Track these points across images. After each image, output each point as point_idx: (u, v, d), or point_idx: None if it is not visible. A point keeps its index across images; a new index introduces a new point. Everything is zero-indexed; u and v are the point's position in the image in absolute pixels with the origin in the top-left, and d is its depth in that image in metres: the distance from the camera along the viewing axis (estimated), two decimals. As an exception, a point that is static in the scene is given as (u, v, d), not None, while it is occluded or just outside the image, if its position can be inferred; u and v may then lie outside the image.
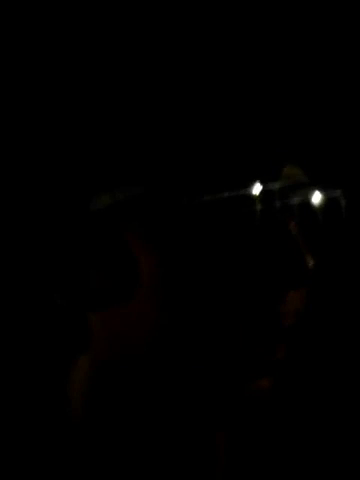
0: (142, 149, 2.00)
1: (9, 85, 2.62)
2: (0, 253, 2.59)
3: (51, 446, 2.00)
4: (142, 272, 1.71)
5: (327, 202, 1.84)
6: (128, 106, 2.24)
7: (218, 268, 1.74)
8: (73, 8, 2.85)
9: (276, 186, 2.04)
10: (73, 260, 1.86)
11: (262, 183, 1.94)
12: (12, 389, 2.38)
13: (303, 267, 1.60)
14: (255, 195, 1.99)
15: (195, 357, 1.72)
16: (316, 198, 1.87)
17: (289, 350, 1.92)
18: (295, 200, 1.96)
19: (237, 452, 2.27)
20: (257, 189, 1.97)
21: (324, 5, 2.99)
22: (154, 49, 2.35)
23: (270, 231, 1.76)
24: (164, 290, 1.71)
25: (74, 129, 2.40)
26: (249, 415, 2.03)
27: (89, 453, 1.80)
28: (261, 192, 1.92)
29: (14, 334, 2.55)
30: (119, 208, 1.75)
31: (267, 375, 1.74)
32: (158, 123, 2.05)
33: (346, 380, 2.64)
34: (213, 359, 1.71)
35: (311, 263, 1.63)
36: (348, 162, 2.74)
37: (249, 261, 1.75)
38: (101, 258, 1.77)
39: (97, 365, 1.85)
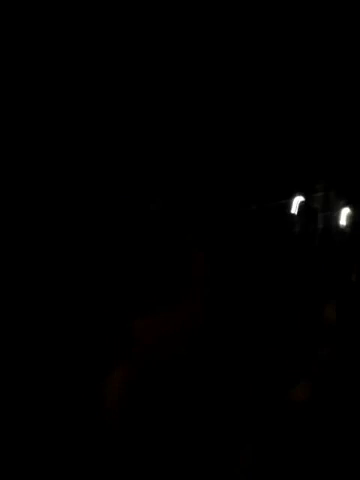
0: (197, 158, 1.99)
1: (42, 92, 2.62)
2: (48, 261, 2.58)
3: (86, 447, 2.00)
4: (193, 275, 1.70)
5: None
6: (183, 118, 2.24)
7: (264, 276, 1.74)
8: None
9: (319, 198, 2.03)
10: (123, 263, 1.85)
11: (305, 194, 1.94)
12: (53, 392, 2.38)
13: (348, 280, 1.61)
14: (300, 206, 1.99)
15: (235, 363, 1.72)
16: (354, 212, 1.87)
17: (326, 360, 1.92)
18: (336, 213, 1.96)
19: (269, 460, 2.27)
20: (300, 201, 1.96)
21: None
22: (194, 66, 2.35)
23: (316, 241, 1.75)
24: (212, 294, 1.71)
25: (130, 134, 2.39)
26: (284, 424, 2.03)
27: (124, 455, 1.80)
28: (304, 204, 1.92)
29: (57, 339, 2.54)
30: (172, 213, 1.74)
31: (303, 385, 1.73)
32: (215, 135, 2.05)
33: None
34: (252, 366, 1.71)
35: (355, 276, 1.63)
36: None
37: (294, 271, 1.74)
38: (153, 261, 1.76)
39: (136, 371, 1.84)
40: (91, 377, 2.24)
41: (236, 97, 2.69)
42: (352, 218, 2.34)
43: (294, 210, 2.41)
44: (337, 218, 2.38)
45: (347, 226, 2.29)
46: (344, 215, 2.40)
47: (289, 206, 2.43)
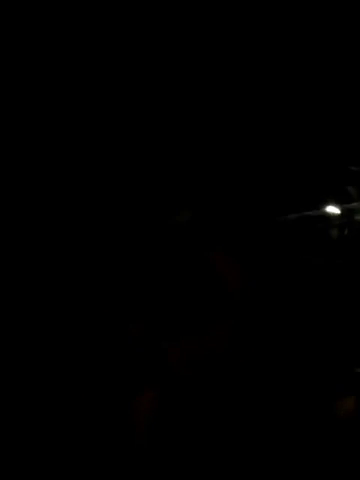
0: (223, 168, 2.01)
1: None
2: (72, 279, 2.60)
3: (117, 467, 2.01)
4: (227, 292, 1.71)
5: None
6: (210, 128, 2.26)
7: (302, 288, 1.75)
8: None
9: (355, 206, 2.03)
10: (152, 284, 1.86)
11: (341, 203, 1.95)
12: (83, 415, 2.40)
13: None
14: (335, 214, 2.00)
15: (277, 378, 1.72)
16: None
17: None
18: None
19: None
20: (336, 209, 1.97)
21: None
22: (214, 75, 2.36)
23: (352, 251, 1.77)
24: (248, 310, 1.72)
25: (151, 145, 2.42)
26: (335, 436, 2.03)
27: (154, 476, 1.80)
28: (341, 212, 1.93)
29: (86, 361, 2.56)
30: (200, 225, 1.76)
31: (352, 395, 1.74)
32: (246, 141, 2.06)
33: None
34: (295, 379, 1.72)
35: None
36: None
37: (334, 280, 1.76)
38: (182, 282, 1.78)
39: (168, 392, 1.84)
40: (122, 399, 2.25)
41: (269, 107, 2.72)
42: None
43: (332, 220, 2.43)
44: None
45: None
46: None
47: (326, 215, 2.45)
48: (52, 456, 2.29)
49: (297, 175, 2.51)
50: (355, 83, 2.87)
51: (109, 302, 2.34)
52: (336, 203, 2.46)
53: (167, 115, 2.81)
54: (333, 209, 2.46)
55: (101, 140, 2.95)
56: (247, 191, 2.21)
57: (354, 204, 2.51)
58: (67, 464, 2.28)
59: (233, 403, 1.90)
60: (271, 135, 2.62)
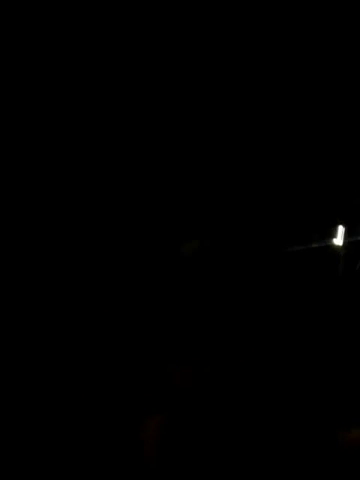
0: (225, 199, 2.02)
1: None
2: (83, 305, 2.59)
3: None
4: (230, 320, 1.71)
5: None
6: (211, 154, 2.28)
7: (306, 317, 1.75)
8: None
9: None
10: (159, 310, 1.85)
11: (346, 232, 1.96)
12: (90, 437, 2.39)
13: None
14: (340, 246, 2.01)
15: (281, 405, 1.72)
16: None
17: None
18: None
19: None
20: (341, 239, 1.97)
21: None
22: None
23: (356, 276, 1.77)
24: (254, 337, 1.72)
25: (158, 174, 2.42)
26: (342, 467, 2.02)
27: None
28: (345, 242, 1.94)
29: (94, 383, 2.56)
30: (206, 255, 1.76)
31: (358, 425, 1.74)
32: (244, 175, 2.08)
33: None
34: (301, 406, 1.71)
35: None
36: None
37: (336, 311, 1.76)
38: (188, 307, 1.78)
39: (175, 417, 1.84)
40: (131, 421, 2.25)
41: (272, 137, 2.75)
42: None
43: (338, 242, 2.44)
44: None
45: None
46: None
47: (331, 241, 2.47)
48: (62, 474, 2.28)
49: (302, 209, 2.53)
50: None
51: (116, 327, 2.35)
52: (340, 236, 2.48)
53: (169, 145, 2.83)
54: (338, 241, 2.48)
55: (105, 156, 2.97)
56: (254, 224, 2.22)
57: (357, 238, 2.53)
58: None
59: (237, 425, 1.90)
60: (275, 167, 2.64)
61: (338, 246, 2.55)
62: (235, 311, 1.93)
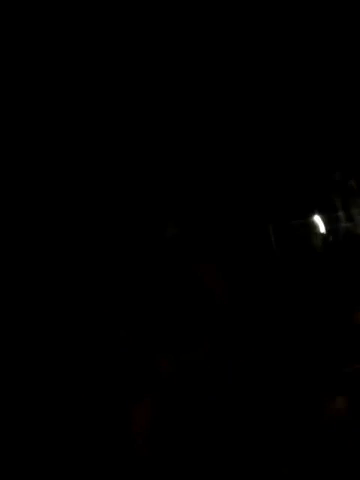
0: (213, 180, 2.06)
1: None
2: (69, 289, 2.63)
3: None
4: (216, 309, 1.74)
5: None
6: (200, 141, 2.32)
7: (291, 292, 1.79)
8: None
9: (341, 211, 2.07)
10: (144, 297, 1.89)
11: (325, 212, 1.98)
12: (80, 424, 2.43)
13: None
14: (320, 223, 2.04)
15: (267, 381, 1.77)
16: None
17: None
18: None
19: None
20: (320, 218, 2.00)
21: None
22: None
23: (342, 250, 1.82)
24: (239, 320, 1.76)
25: (142, 159, 2.45)
26: (327, 436, 2.08)
27: None
28: (325, 220, 1.97)
29: (81, 372, 2.59)
30: (188, 237, 1.79)
31: (343, 394, 1.78)
32: (228, 157, 2.12)
33: None
34: (285, 382, 1.75)
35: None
36: None
37: (321, 282, 1.80)
38: (173, 293, 1.81)
39: (162, 404, 1.88)
40: (120, 408, 2.28)
41: (253, 117, 2.79)
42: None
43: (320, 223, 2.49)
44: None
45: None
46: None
47: (313, 222, 2.52)
48: (51, 465, 2.32)
49: (282, 185, 2.58)
50: (341, 89, 2.95)
51: (102, 314, 2.38)
52: (321, 212, 2.54)
53: (155, 127, 2.87)
54: (318, 218, 2.53)
55: (89, 152, 3.01)
56: (232, 202, 2.27)
57: (339, 213, 2.58)
58: (66, 474, 2.31)
59: (225, 407, 1.95)
60: (255, 144, 2.68)
61: (317, 223, 2.60)
62: (221, 297, 1.97)
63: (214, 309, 1.92)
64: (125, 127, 3.05)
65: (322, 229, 2.50)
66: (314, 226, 2.57)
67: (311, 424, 1.92)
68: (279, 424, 1.87)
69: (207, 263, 1.98)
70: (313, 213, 2.63)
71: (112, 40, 3.11)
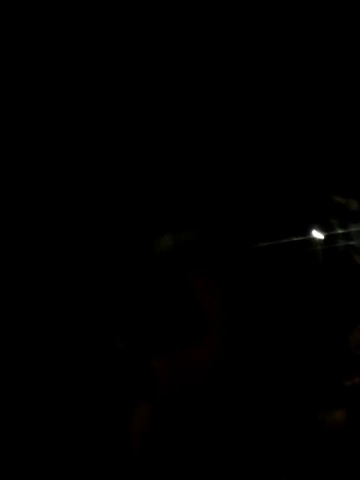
0: (205, 192, 2.07)
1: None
2: (63, 294, 2.63)
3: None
4: (209, 314, 1.75)
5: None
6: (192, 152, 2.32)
7: (284, 305, 1.79)
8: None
9: (337, 222, 2.08)
10: (138, 305, 1.89)
11: (323, 222, 1.99)
12: (78, 427, 2.42)
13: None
14: (319, 238, 2.05)
15: (265, 392, 1.77)
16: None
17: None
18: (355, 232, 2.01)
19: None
20: (319, 231, 2.01)
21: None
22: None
23: (337, 265, 1.83)
24: (231, 329, 1.76)
25: (133, 171, 2.46)
26: (325, 449, 2.07)
27: None
28: (325, 234, 1.98)
29: (79, 375, 2.58)
30: (182, 250, 1.80)
31: (341, 407, 1.78)
32: (221, 169, 2.13)
33: None
34: (282, 392, 1.76)
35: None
36: None
37: (316, 295, 1.80)
38: (167, 302, 1.82)
39: (158, 406, 1.88)
40: (118, 412, 2.27)
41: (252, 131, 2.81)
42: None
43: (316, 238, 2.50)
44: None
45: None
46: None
47: (311, 234, 2.53)
48: (50, 467, 2.30)
49: (282, 202, 2.59)
50: (341, 106, 2.98)
51: (97, 319, 2.37)
52: (320, 229, 2.55)
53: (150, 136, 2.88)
54: (317, 235, 2.55)
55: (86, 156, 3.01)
56: (230, 216, 2.27)
57: (337, 231, 2.60)
58: (65, 475, 2.29)
59: (222, 412, 1.95)
60: (255, 159, 2.69)
61: (318, 239, 2.62)
62: (211, 304, 1.97)
63: (207, 316, 1.93)
64: (123, 139, 3.06)
65: (321, 246, 2.52)
66: (313, 244, 2.58)
67: (310, 436, 1.91)
68: (278, 434, 1.86)
69: (200, 272, 1.99)
70: (312, 230, 2.65)
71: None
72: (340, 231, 2.61)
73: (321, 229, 2.67)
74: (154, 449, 1.91)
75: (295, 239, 2.51)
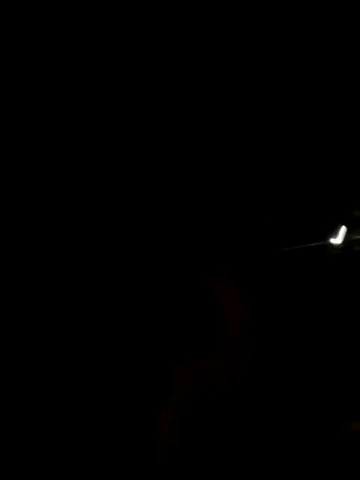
0: (227, 201, 2.06)
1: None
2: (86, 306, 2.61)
3: None
4: (230, 320, 1.73)
5: None
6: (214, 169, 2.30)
7: (304, 313, 1.78)
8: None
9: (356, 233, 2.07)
10: (162, 311, 1.88)
11: (343, 231, 1.99)
12: (105, 438, 2.39)
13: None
14: (337, 243, 2.05)
15: (283, 401, 1.75)
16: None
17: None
18: None
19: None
20: (339, 238, 2.01)
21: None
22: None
23: (353, 275, 1.81)
24: (253, 335, 1.75)
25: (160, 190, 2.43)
26: (343, 459, 2.06)
27: None
28: (343, 240, 1.98)
29: (102, 383, 2.56)
30: (205, 258, 1.79)
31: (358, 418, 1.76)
32: (243, 178, 2.11)
33: None
34: (302, 402, 1.74)
35: None
36: None
37: (333, 305, 1.79)
38: (189, 308, 1.80)
39: (183, 413, 1.86)
40: (142, 420, 2.25)
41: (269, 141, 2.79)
42: None
43: (335, 246, 2.48)
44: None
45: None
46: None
47: (330, 242, 2.51)
48: (72, 472, 2.29)
49: (299, 208, 2.58)
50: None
51: (118, 329, 2.36)
52: (337, 235, 2.54)
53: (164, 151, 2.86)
54: (334, 240, 2.53)
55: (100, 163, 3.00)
56: (248, 221, 2.25)
57: (355, 237, 2.59)
58: None
59: (242, 420, 1.93)
60: (277, 168, 2.68)
61: (337, 245, 2.60)
62: (230, 310, 1.96)
63: (227, 322, 1.92)
64: (126, 144, 3.05)
65: (338, 252, 2.51)
66: (330, 249, 2.57)
67: (328, 446, 1.90)
68: (302, 442, 1.85)
69: (220, 277, 1.97)
70: (327, 238, 2.64)
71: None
72: (358, 237, 2.60)
73: (339, 235, 2.66)
74: (179, 455, 1.90)
75: (313, 245, 2.50)
